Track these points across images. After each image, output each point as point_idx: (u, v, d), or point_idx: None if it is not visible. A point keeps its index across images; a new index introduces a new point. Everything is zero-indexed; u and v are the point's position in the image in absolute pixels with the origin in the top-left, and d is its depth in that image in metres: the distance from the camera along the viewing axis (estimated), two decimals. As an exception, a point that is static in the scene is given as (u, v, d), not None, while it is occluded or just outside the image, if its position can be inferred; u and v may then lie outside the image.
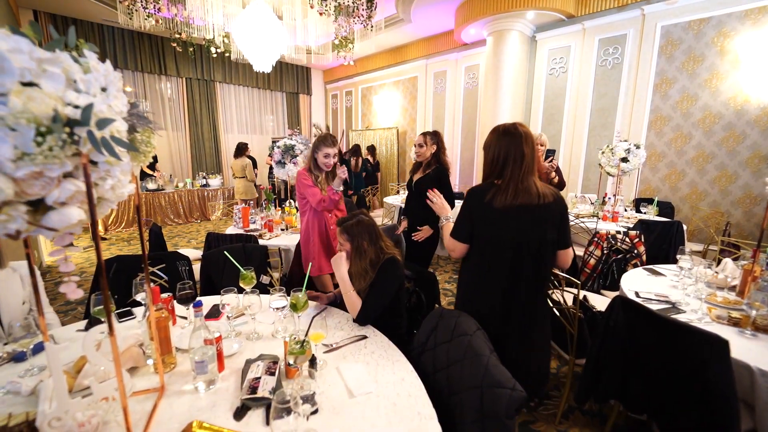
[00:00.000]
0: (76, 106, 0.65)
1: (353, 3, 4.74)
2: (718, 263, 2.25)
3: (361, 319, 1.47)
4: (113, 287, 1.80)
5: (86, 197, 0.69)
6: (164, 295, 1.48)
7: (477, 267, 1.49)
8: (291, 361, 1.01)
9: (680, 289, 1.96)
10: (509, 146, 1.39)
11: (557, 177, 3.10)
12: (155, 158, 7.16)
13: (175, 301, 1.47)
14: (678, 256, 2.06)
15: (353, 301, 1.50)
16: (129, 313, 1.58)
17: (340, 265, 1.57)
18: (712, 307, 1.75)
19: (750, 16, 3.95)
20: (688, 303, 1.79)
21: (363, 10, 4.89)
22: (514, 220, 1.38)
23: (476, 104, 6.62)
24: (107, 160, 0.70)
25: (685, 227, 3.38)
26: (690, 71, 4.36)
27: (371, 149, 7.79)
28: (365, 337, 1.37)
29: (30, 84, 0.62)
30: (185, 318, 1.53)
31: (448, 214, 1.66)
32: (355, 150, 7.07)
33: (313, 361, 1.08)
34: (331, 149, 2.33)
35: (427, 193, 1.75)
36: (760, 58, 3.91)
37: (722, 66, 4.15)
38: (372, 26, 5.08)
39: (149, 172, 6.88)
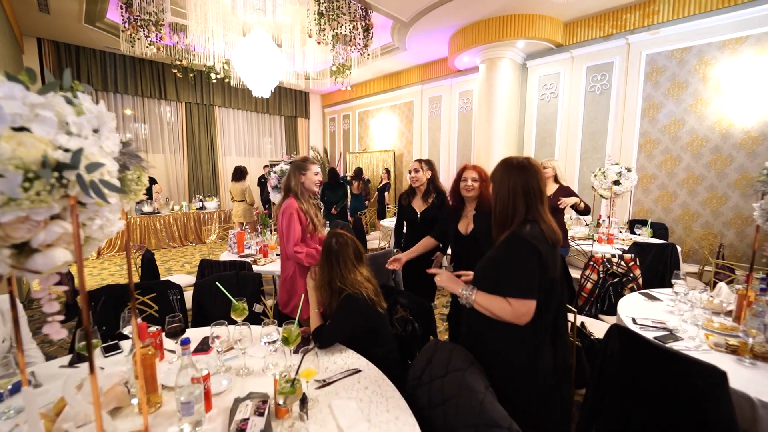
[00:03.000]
0: (66, 150, 0.66)
1: (350, 32, 4.92)
2: (713, 286, 2.24)
3: (315, 339, 1.54)
4: (100, 318, 1.76)
5: (73, 238, 0.69)
6: (153, 329, 1.45)
7: (541, 321, 1.26)
8: (281, 402, 0.98)
9: (676, 315, 1.94)
10: (539, 181, 1.32)
11: (582, 203, 3.07)
12: (153, 180, 7.17)
13: (163, 335, 1.44)
14: (673, 281, 2.06)
15: (314, 320, 1.62)
16: (116, 347, 1.54)
17: (310, 279, 1.70)
18: (709, 333, 1.73)
19: (728, 46, 4.12)
20: (685, 330, 1.77)
21: (360, 39, 5.07)
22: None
23: (471, 128, 6.76)
24: (96, 201, 0.70)
25: (679, 248, 3.40)
26: (675, 97, 4.51)
27: (387, 171, 7.82)
28: (359, 371, 1.34)
29: (21, 128, 0.63)
30: (173, 352, 1.49)
31: (461, 288, 1.33)
32: (358, 173, 7.18)
33: (304, 400, 1.05)
34: (318, 166, 2.30)
35: (433, 272, 1.48)
36: (739, 85, 4.06)
37: (705, 92, 4.30)
38: (368, 54, 5.25)
39: (143, 197, 6.87)
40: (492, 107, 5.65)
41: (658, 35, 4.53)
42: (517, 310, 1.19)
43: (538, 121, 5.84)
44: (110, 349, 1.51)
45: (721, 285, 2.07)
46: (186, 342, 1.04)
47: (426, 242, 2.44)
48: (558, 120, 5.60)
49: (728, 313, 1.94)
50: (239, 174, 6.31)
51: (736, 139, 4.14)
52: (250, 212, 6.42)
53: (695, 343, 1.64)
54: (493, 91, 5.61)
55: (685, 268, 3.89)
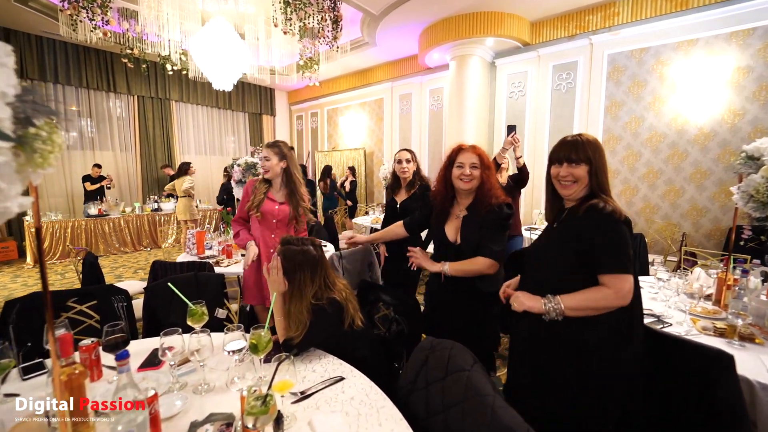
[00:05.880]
0: None
1: (318, 24, 4.70)
2: (677, 272, 2.28)
3: (286, 348, 1.30)
4: (23, 332, 1.44)
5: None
6: (87, 341, 1.19)
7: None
8: (249, 424, 0.78)
9: (660, 301, 1.94)
10: None
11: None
12: (102, 177, 6.45)
13: (100, 348, 1.18)
14: (654, 268, 2.06)
15: (281, 329, 1.39)
16: (40, 366, 1.25)
17: (280, 285, 1.38)
18: (695, 318, 1.72)
19: (681, 48, 4.36)
20: (671, 315, 1.75)
21: (328, 31, 4.86)
22: None
23: (442, 126, 6.75)
24: (-30, 157, 0.48)
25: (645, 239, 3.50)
26: (636, 95, 4.71)
27: (352, 169, 7.63)
28: (342, 378, 1.16)
29: None
30: (114, 368, 1.23)
31: (544, 304, 1.17)
32: (326, 171, 6.94)
33: (279, 420, 0.86)
34: (266, 150, 2.13)
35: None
36: (692, 84, 4.31)
37: (662, 91, 4.52)
38: (338, 48, 5.05)
39: (91, 187, 6.15)
40: (462, 105, 5.64)
41: (618, 36, 4.72)
42: (621, 288, 1.09)
43: (507, 118, 5.91)
44: (31, 370, 1.23)
45: (699, 270, 2.10)
46: (123, 356, 0.82)
47: (395, 229, 2.03)
48: (526, 118, 5.70)
49: (707, 297, 1.96)
50: (183, 170, 5.80)
51: (691, 135, 4.38)
52: (193, 209, 5.82)
53: (684, 328, 1.61)
54: (463, 88, 5.61)
55: (650, 257, 4.04)
